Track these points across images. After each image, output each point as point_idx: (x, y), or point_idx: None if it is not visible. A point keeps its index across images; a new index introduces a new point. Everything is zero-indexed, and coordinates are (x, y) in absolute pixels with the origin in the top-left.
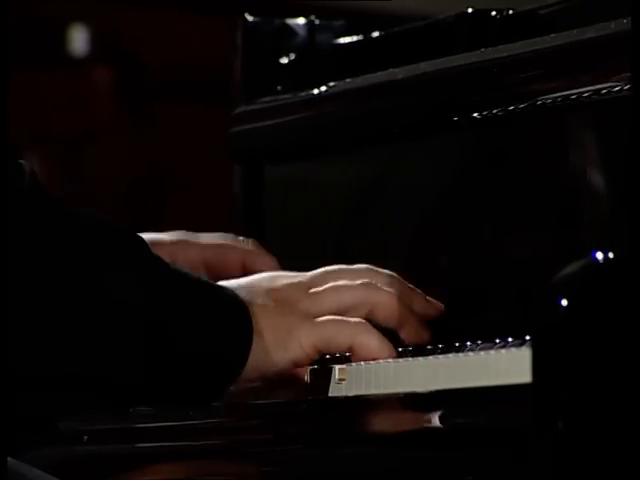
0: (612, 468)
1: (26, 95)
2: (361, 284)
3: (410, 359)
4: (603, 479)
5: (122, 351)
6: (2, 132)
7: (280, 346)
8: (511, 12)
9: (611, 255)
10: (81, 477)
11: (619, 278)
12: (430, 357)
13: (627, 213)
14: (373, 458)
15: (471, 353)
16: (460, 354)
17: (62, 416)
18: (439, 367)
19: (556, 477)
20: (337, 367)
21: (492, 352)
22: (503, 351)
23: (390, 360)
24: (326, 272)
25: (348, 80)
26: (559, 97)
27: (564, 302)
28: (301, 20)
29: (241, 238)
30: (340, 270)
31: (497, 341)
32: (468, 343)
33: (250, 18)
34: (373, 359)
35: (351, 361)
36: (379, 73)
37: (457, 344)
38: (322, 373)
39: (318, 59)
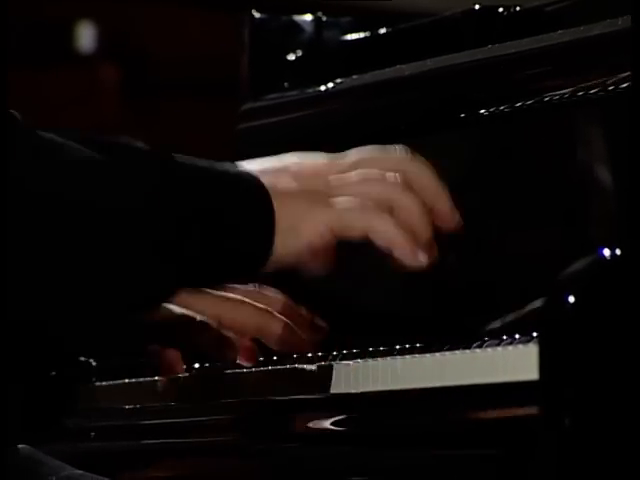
0: (618, 464)
1: (33, 92)
2: (389, 182)
3: (417, 355)
4: (609, 475)
5: (149, 250)
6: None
7: (296, 230)
8: (518, 9)
9: (618, 252)
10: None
11: (626, 275)
12: (437, 354)
13: (633, 209)
14: (380, 455)
15: (478, 350)
16: (467, 351)
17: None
18: (446, 364)
19: (563, 473)
20: (343, 363)
21: (499, 349)
22: (510, 348)
23: (397, 357)
24: (359, 159)
25: (355, 77)
26: (566, 93)
27: (571, 299)
28: (308, 17)
29: None
30: (372, 159)
31: (504, 338)
32: (475, 340)
33: (257, 15)
34: (388, 245)
35: (356, 358)
36: (386, 70)
37: (464, 341)
38: (326, 369)
39: (325, 56)
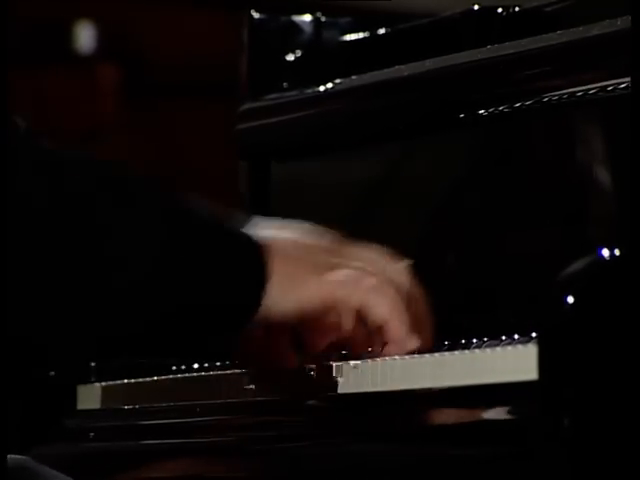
0: (618, 464)
1: (32, 92)
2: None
3: (416, 356)
4: (609, 475)
5: (133, 299)
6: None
7: (289, 293)
8: (517, 9)
9: (617, 252)
10: (87, 474)
11: (625, 275)
12: (436, 354)
13: (633, 209)
14: (378, 455)
15: (477, 350)
16: (466, 351)
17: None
18: (445, 364)
19: (562, 473)
20: (339, 364)
21: (498, 349)
22: (509, 348)
23: (396, 357)
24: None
25: (354, 77)
26: (565, 94)
27: (570, 299)
28: (307, 17)
29: None
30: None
31: (503, 338)
32: (474, 340)
33: (256, 15)
34: (383, 322)
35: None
36: (385, 70)
37: (463, 341)
38: (327, 369)
39: (324, 56)
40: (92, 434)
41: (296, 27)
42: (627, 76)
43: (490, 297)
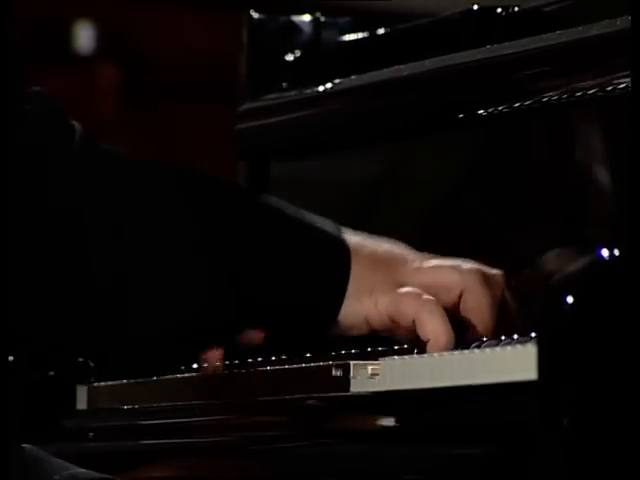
0: (617, 464)
1: None
2: (461, 270)
3: (416, 356)
4: (608, 475)
5: (214, 297)
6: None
7: (356, 299)
8: (516, 9)
9: (616, 252)
10: None
11: (624, 275)
12: (436, 354)
13: (632, 209)
14: (377, 455)
15: (477, 350)
16: (466, 351)
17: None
18: (445, 364)
19: (562, 473)
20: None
21: (498, 349)
22: (509, 348)
23: (395, 357)
24: (433, 256)
25: (353, 77)
26: (564, 94)
27: (569, 299)
28: (307, 17)
29: None
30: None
31: (503, 338)
32: (474, 340)
33: (256, 15)
34: (431, 338)
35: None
36: (385, 70)
37: (463, 341)
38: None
39: (324, 56)
40: (91, 434)
41: (295, 27)
42: (626, 76)
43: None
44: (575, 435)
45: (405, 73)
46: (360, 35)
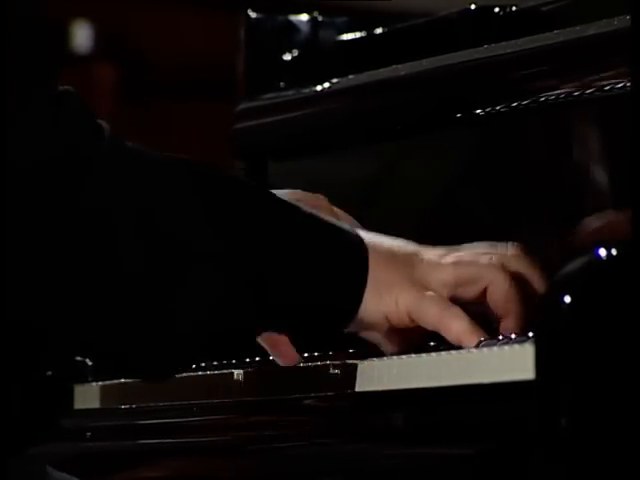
0: (615, 465)
1: None
2: (480, 264)
3: (413, 356)
4: (606, 475)
5: (235, 297)
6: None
7: (376, 296)
8: (514, 9)
9: (614, 252)
10: (84, 474)
11: (622, 275)
12: (433, 354)
13: (630, 209)
14: (375, 454)
15: (474, 350)
16: (463, 350)
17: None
18: (442, 364)
19: (560, 473)
20: (337, 363)
21: (495, 348)
22: (506, 347)
23: (393, 356)
24: (448, 251)
25: (351, 77)
26: (562, 94)
27: (567, 299)
28: (304, 17)
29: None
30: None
31: (500, 337)
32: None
33: (253, 15)
34: (457, 342)
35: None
36: (382, 70)
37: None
38: (324, 369)
39: (321, 56)
40: (89, 434)
41: (293, 27)
42: (624, 76)
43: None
44: (573, 435)
45: (402, 73)
46: (358, 35)
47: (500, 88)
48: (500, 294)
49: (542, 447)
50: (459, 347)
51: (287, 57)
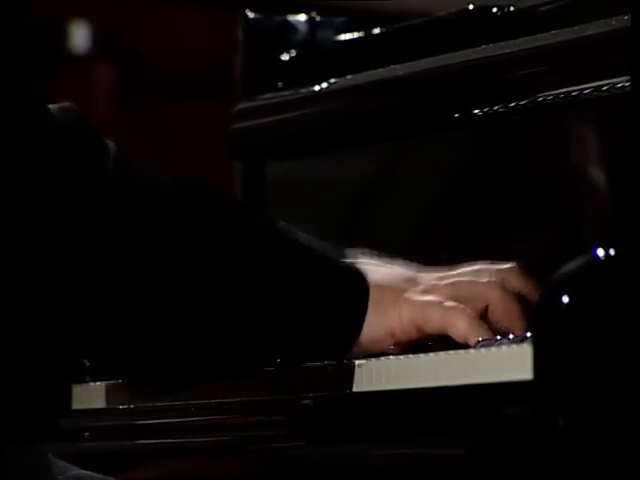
0: (613, 464)
1: None
2: (479, 283)
3: (411, 356)
4: (603, 475)
5: (233, 325)
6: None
7: (379, 312)
8: (512, 9)
9: (612, 252)
10: None
11: (620, 275)
12: (431, 354)
13: (629, 209)
14: (372, 455)
15: (472, 350)
16: (461, 351)
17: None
18: (441, 364)
19: (557, 473)
20: (333, 363)
21: (493, 349)
22: (504, 348)
23: (391, 357)
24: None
25: (349, 77)
26: (560, 94)
27: (565, 299)
28: (302, 17)
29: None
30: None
31: (498, 338)
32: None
33: (251, 15)
34: (463, 339)
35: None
36: (380, 70)
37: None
38: (323, 369)
39: (319, 56)
40: (87, 434)
41: (291, 27)
42: (622, 76)
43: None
44: (570, 435)
45: (400, 73)
46: (356, 35)
47: (498, 88)
48: (500, 312)
49: (540, 447)
50: (458, 347)
51: (285, 57)
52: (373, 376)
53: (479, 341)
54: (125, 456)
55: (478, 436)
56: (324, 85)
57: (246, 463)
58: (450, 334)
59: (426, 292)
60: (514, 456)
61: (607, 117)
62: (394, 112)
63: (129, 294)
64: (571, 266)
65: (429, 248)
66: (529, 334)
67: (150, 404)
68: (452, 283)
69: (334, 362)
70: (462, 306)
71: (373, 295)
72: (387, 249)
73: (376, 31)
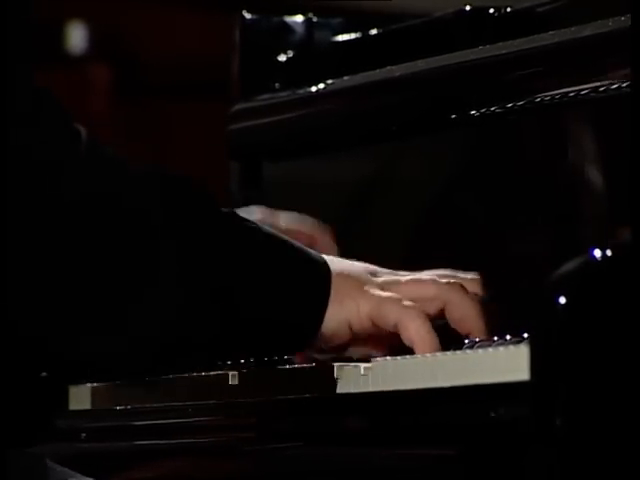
0: (610, 465)
1: None
2: (440, 283)
3: (408, 357)
4: (601, 476)
5: (198, 311)
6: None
7: (337, 303)
8: (509, 10)
9: (609, 253)
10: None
11: (617, 276)
12: (428, 355)
13: (626, 210)
14: (374, 454)
15: (469, 350)
16: (458, 351)
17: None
18: (437, 365)
19: (555, 473)
20: (336, 365)
21: (490, 349)
22: (501, 348)
23: (388, 358)
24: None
25: (346, 78)
26: (557, 94)
27: (562, 300)
28: (299, 17)
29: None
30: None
31: (495, 338)
32: (466, 340)
33: (248, 16)
34: (413, 343)
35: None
36: (377, 71)
37: (456, 341)
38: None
39: (316, 57)
40: (84, 435)
41: (288, 27)
42: (619, 77)
43: (482, 297)
44: (568, 435)
45: (398, 73)
46: (353, 35)
47: (495, 89)
48: (459, 314)
49: (537, 448)
50: (454, 347)
51: (282, 58)
52: (370, 377)
53: (476, 342)
54: (122, 457)
55: (475, 437)
56: (321, 86)
57: (242, 464)
58: (401, 335)
59: (387, 287)
60: (511, 457)
61: (604, 118)
62: (391, 113)
63: (94, 276)
64: (568, 267)
65: (426, 249)
66: (526, 335)
67: (146, 405)
68: (413, 280)
69: (332, 363)
70: (419, 309)
71: (335, 284)
72: (384, 250)
73: (373, 32)
